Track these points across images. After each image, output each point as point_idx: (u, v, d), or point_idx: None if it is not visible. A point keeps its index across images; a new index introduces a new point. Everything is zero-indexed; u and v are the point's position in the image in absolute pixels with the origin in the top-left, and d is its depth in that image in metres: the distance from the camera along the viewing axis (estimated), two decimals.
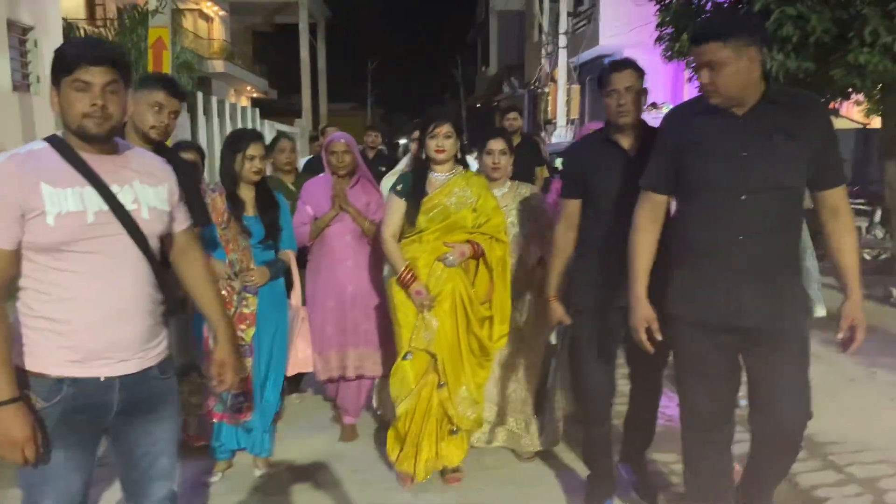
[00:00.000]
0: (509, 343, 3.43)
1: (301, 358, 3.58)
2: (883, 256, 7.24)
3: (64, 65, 1.82)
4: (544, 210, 3.64)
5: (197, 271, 2.20)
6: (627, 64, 2.88)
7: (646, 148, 2.80)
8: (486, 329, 3.23)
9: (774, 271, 2.37)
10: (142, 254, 1.95)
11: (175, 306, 2.12)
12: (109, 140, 1.92)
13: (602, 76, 2.90)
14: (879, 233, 7.52)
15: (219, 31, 28.80)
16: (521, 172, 4.49)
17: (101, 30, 13.74)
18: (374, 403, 4.07)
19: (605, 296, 2.89)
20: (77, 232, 1.83)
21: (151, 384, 2.01)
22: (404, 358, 3.16)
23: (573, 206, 2.99)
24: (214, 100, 12.78)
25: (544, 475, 3.47)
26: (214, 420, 3.34)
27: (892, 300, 6.71)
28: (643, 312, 2.53)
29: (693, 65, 2.37)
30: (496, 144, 3.55)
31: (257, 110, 16.88)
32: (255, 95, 30.64)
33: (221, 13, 28.66)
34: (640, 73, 2.87)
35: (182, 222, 2.14)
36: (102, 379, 1.91)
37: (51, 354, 1.86)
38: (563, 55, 18.33)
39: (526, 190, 3.65)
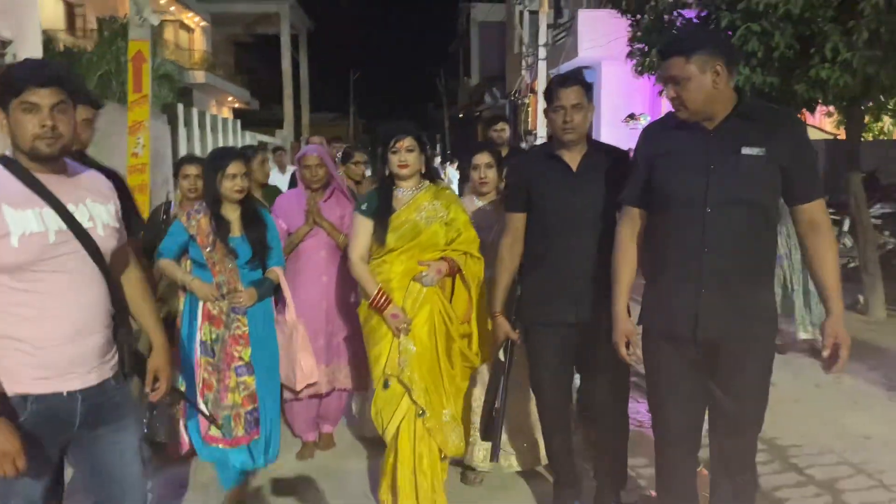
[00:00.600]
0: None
1: (306, 371, 3.51)
2: (851, 265, 7.41)
3: (11, 87, 1.85)
4: None
5: (134, 283, 2.24)
6: (575, 80, 2.84)
7: (591, 164, 2.86)
8: (467, 344, 3.15)
9: (739, 285, 2.35)
10: (98, 270, 2.00)
11: (125, 317, 2.17)
12: (60, 159, 1.97)
13: (549, 90, 2.88)
14: (848, 242, 7.70)
15: (200, 42, 28.73)
16: None
17: (80, 41, 13.75)
18: (355, 411, 4.09)
19: (553, 310, 2.91)
20: (40, 252, 1.88)
21: (110, 394, 2.07)
22: (384, 387, 3.01)
23: (518, 220, 2.99)
24: (195, 111, 12.80)
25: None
26: (220, 446, 3.23)
27: (859, 307, 6.88)
28: (623, 327, 2.55)
29: (662, 80, 2.40)
30: (482, 158, 3.49)
31: (238, 122, 16.88)
32: (236, 106, 30.55)
33: (203, 24, 28.60)
34: (587, 89, 2.86)
35: (123, 237, 2.17)
36: (65, 393, 1.95)
37: (13, 373, 1.89)
38: (542, 66, 18.52)
39: None
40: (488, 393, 3.17)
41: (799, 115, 6.28)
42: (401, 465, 2.99)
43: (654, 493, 3.41)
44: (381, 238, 3.00)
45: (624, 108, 15.38)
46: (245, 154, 3.42)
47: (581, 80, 2.86)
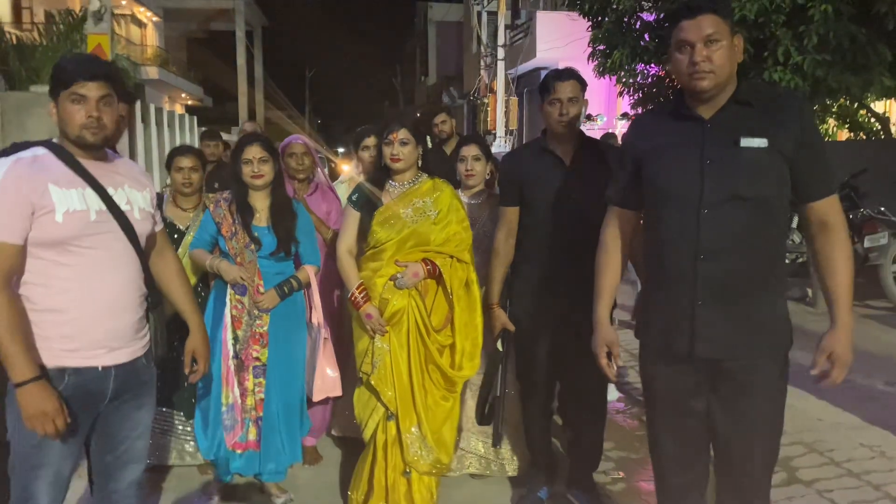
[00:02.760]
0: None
1: (329, 382, 3.28)
2: (800, 260, 7.73)
3: (62, 79, 1.99)
4: None
5: (170, 268, 2.38)
6: (571, 74, 2.86)
7: (583, 158, 2.87)
8: (447, 357, 2.95)
9: (740, 295, 2.06)
10: (134, 251, 2.13)
11: (157, 300, 2.28)
12: (102, 148, 2.11)
13: (545, 83, 2.86)
14: (796, 238, 8.03)
15: (153, 38, 28.26)
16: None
17: (28, 33, 13.43)
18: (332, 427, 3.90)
19: (544, 302, 2.94)
20: (81, 228, 2.00)
21: (140, 372, 2.19)
22: (361, 383, 3.00)
23: (512, 214, 3.00)
24: (153, 107, 12.62)
25: None
26: (238, 451, 3.17)
27: (807, 300, 7.21)
28: (604, 336, 2.31)
29: (678, 43, 2.03)
30: (469, 150, 3.43)
31: (195, 118, 16.68)
32: (189, 103, 30.11)
33: (155, 19, 28.13)
34: (582, 84, 2.88)
35: (158, 222, 2.31)
36: (100, 368, 2.07)
37: (53, 345, 2.00)
38: (501, 67, 18.73)
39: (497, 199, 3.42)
40: (485, 380, 3.15)
41: None
42: (377, 468, 2.95)
43: (622, 474, 3.59)
44: (365, 230, 2.95)
45: (585, 109, 15.68)
46: (263, 139, 3.23)
47: (577, 76, 2.88)
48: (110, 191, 2.08)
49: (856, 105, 10.06)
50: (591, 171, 2.82)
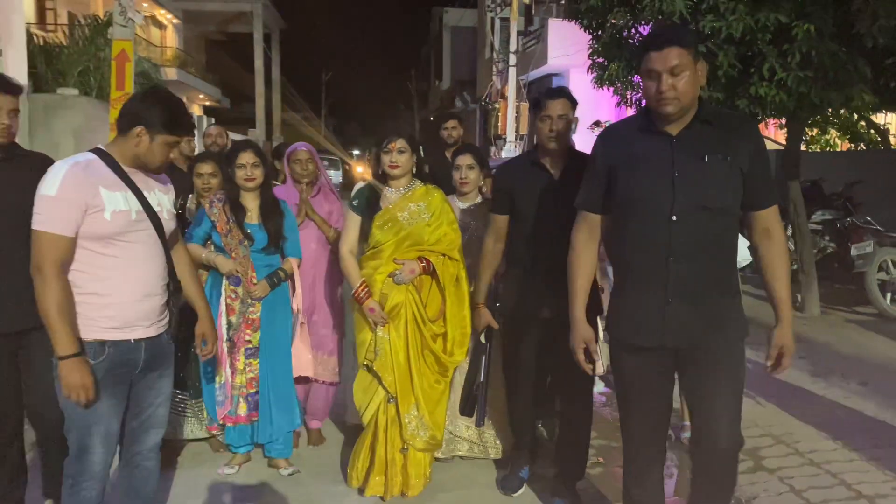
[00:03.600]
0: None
1: (303, 362, 3.68)
2: (794, 267, 7.98)
3: (175, 129, 2.45)
4: None
5: (183, 261, 2.75)
6: (562, 93, 3.04)
7: (572, 172, 2.96)
8: (440, 344, 3.24)
9: (705, 294, 2.32)
10: (161, 246, 2.50)
11: (177, 287, 2.63)
12: None
13: (538, 101, 3.04)
14: (791, 246, 8.28)
15: (172, 39, 28.61)
16: None
17: (52, 34, 13.87)
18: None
19: (530, 305, 3.11)
20: (125, 226, 2.35)
21: (162, 346, 2.55)
22: (360, 369, 3.28)
23: (501, 221, 3.20)
24: None
25: None
26: (228, 424, 3.55)
27: (796, 304, 7.45)
28: (581, 333, 2.53)
29: (647, 71, 2.26)
30: (463, 160, 3.64)
31: (213, 120, 17.07)
32: (207, 104, 30.48)
33: (175, 21, 28.54)
34: (573, 102, 3.05)
35: (175, 221, 2.66)
36: (133, 341, 2.41)
37: (96, 323, 2.34)
38: (512, 73, 18.97)
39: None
40: (469, 372, 3.42)
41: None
42: (378, 445, 3.24)
43: (601, 459, 3.88)
44: (366, 233, 3.24)
45: (590, 115, 15.82)
46: (255, 146, 3.58)
47: (567, 94, 3.06)
48: (146, 194, 2.44)
49: (855, 117, 10.27)
50: (578, 183, 2.87)
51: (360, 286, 3.18)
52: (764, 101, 5.56)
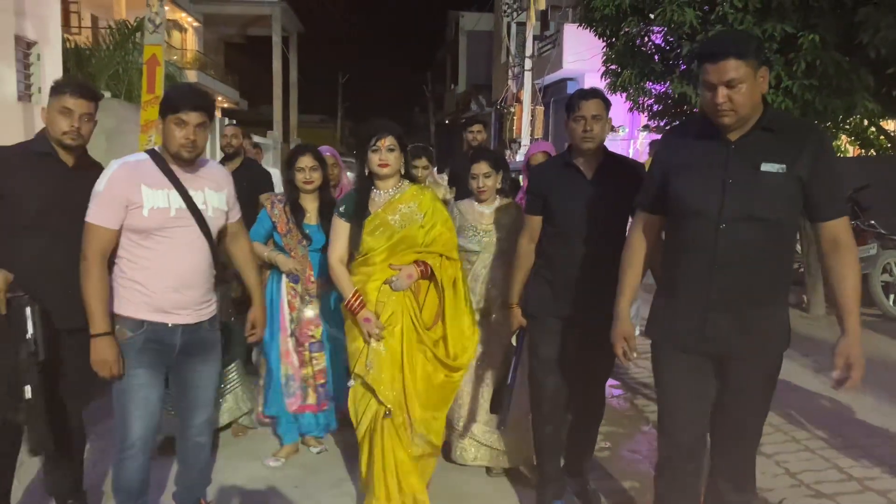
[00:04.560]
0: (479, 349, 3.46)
1: None
2: (801, 269, 8.17)
3: (170, 106, 2.53)
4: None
5: (243, 252, 2.95)
6: (596, 94, 2.99)
7: (605, 173, 2.98)
8: (442, 348, 3.08)
9: (748, 306, 2.29)
10: (205, 240, 2.65)
11: (223, 278, 2.83)
12: (195, 161, 2.65)
13: (571, 102, 2.98)
14: (798, 247, 8.47)
15: (192, 42, 29.06)
16: None
17: (77, 36, 14.29)
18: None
19: (557, 306, 3.05)
20: (162, 222, 2.54)
21: (203, 334, 2.73)
22: (353, 382, 3.10)
23: (535, 222, 3.14)
24: None
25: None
26: (301, 413, 3.71)
27: (803, 305, 7.68)
28: (622, 328, 2.53)
29: (704, 82, 2.23)
30: (480, 168, 3.52)
31: (234, 122, 17.44)
32: (225, 105, 30.90)
33: (195, 24, 28.99)
34: (606, 103, 3.00)
35: (235, 213, 2.86)
36: (169, 325, 2.61)
37: (136, 304, 2.58)
38: (528, 77, 19.13)
39: (514, 209, 3.63)
40: (500, 372, 3.43)
41: None
42: (373, 462, 3.04)
43: (608, 444, 4.11)
44: (356, 240, 3.02)
45: (616, 119, 16.12)
46: (313, 149, 3.67)
47: (602, 95, 3.02)
48: (191, 192, 2.59)
49: (865, 123, 10.44)
50: (611, 185, 2.96)
51: (352, 296, 3.00)
52: (771, 107, 5.79)
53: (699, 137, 2.34)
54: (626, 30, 6.68)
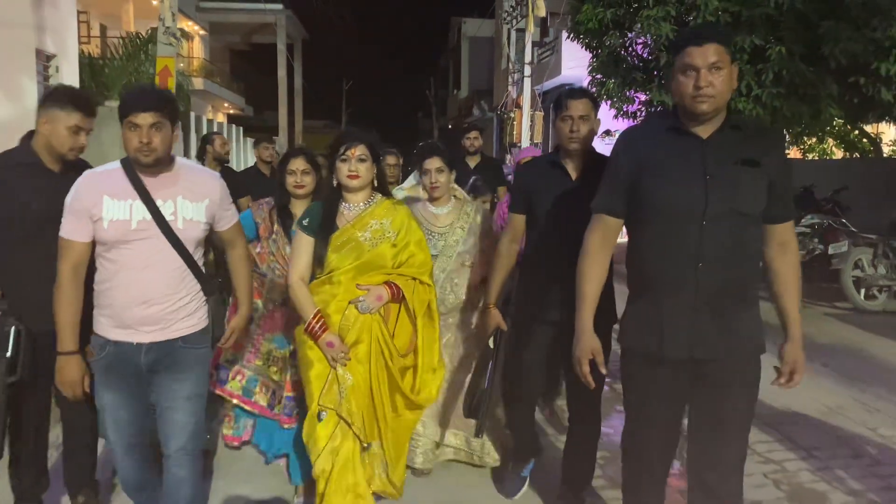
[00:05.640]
0: (453, 354, 3.38)
1: None
2: None
3: (122, 110, 2.32)
4: (490, 229, 3.50)
5: (237, 258, 2.74)
6: (584, 93, 2.94)
7: (591, 174, 2.80)
8: (409, 379, 2.82)
9: (730, 302, 2.23)
10: (176, 253, 2.40)
11: (211, 289, 2.59)
12: (157, 165, 2.36)
13: (558, 100, 2.91)
14: None
15: (198, 50, 29.44)
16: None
17: (86, 46, 14.75)
18: None
19: (543, 309, 2.96)
20: (122, 234, 2.35)
21: (175, 351, 2.46)
22: (318, 417, 2.72)
23: (518, 221, 3.05)
24: (204, 119, 13.85)
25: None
26: (286, 426, 3.25)
27: None
28: (588, 343, 2.32)
29: (684, 67, 2.14)
30: (432, 163, 3.31)
31: (241, 129, 17.83)
32: (231, 112, 31.28)
33: (202, 32, 29.40)
34: (595, 103, 2.94)
35: (226, 222, 2.62)
36: (134, 343, 2.42)
37: (103, 321, 2.44)
38: (527, 83, 19.43)
39: (471, 209, 3.46)
40: (475, 375, 3.23)
41: None
42: (329, 495, 2.72)
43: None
44: (320, 257, 2.74)
45: (602, 125, 16.41)
46: (307, 152, 3.37)
47: (589, 94, 2.97)
48: (159, 202, 2.37)
49: (849, 126, 10.88)
50: (596, 187, 2.78)
51: (313, 318, 2.69)
52: (742, 114, 6.23)
53: (666, 134, 2.26)
54: (609, 42, 7.11)
